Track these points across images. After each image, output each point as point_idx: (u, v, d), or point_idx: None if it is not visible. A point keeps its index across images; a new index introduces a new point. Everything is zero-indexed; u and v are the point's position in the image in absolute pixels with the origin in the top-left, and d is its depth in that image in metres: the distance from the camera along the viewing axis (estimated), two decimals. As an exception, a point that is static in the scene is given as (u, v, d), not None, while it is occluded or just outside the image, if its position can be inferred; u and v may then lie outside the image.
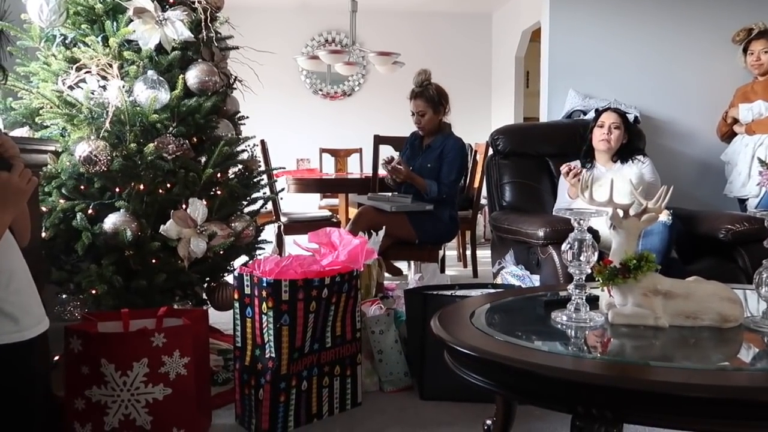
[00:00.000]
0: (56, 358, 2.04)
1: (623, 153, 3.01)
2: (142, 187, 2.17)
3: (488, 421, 1.76)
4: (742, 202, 3.59)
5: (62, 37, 2.31)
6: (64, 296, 2.20)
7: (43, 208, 2.11)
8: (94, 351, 1.78)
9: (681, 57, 3.97)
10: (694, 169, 3.96)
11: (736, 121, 3.65)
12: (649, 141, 3.47)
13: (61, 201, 2.16)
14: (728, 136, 3.74)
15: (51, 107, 2.17)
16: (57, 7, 2.19)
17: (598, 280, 1.50)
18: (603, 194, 1.55)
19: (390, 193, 3.47)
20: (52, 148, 2.11)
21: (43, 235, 2.06)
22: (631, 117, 3.22)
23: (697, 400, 1.10)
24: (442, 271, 3.75)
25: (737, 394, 1.11)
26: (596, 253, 1.52)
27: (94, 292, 2.11)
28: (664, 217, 2.59)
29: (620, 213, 1.53)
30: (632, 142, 3.06)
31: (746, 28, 3.74)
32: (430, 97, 3.33)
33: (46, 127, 2.25)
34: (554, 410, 1.26)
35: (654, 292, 1.46)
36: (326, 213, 4.56)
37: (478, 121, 6.56)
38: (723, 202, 3.71)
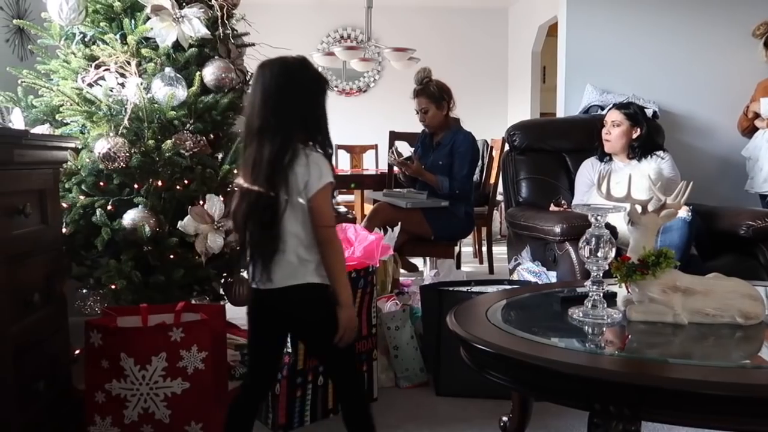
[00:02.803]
0: (77, 352, 2.07)
1: (641, 149, 2.97)
2: (160, 183, 2.19)
3: (504, 418, 1.76)
4: (764, 198, 3.54)
5: (81, 35, 2.34)
6: (84, 291, 2.24)
7: (64, 204, 2.14)
8: (114, 345, 1.80)
9: (700, 51, 3.91)
10: (714, 165, 3.90)
11: (757, 115, 3.59)
12: (668, 136, 3.43)
13: (81, 197, 2.19)
14: (749, 130, 3.69)
15: (71, 104, 2.19)
16: (76, 5, 2.21)
17: (616, 277, 1.49)
18: (621, 190, 1.54)
19: (405, 190, 3.47)
20: (72, 145, 2.13)
21: (64, 230, 2.09)
22: (649, 112, 3.18)
23: (716, 398, 1.09)
24: (458, 267, 3.74)
25: (757, 392, 1.10)
26: (614, 250, 1.51)
27: (113, 287, 2.13)
28: (684, 213, 2.56)
29: (638, 209, 1.51)
30: (651, 137, 3.02)
31: (766, 21, 3.68)
32: (431, 94, 3.32)
33: (66, 124, 2.27)
34: (571, 407, 1.26)
35: (673, 288, 1.45)
36: (342, 209, 4.57)
37: (495, 116, 6.52)
38: (744, 198, 3.66)
